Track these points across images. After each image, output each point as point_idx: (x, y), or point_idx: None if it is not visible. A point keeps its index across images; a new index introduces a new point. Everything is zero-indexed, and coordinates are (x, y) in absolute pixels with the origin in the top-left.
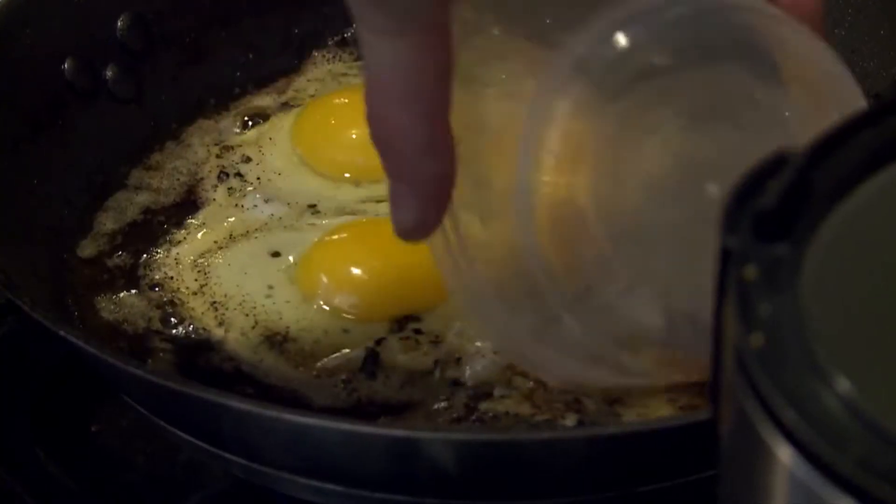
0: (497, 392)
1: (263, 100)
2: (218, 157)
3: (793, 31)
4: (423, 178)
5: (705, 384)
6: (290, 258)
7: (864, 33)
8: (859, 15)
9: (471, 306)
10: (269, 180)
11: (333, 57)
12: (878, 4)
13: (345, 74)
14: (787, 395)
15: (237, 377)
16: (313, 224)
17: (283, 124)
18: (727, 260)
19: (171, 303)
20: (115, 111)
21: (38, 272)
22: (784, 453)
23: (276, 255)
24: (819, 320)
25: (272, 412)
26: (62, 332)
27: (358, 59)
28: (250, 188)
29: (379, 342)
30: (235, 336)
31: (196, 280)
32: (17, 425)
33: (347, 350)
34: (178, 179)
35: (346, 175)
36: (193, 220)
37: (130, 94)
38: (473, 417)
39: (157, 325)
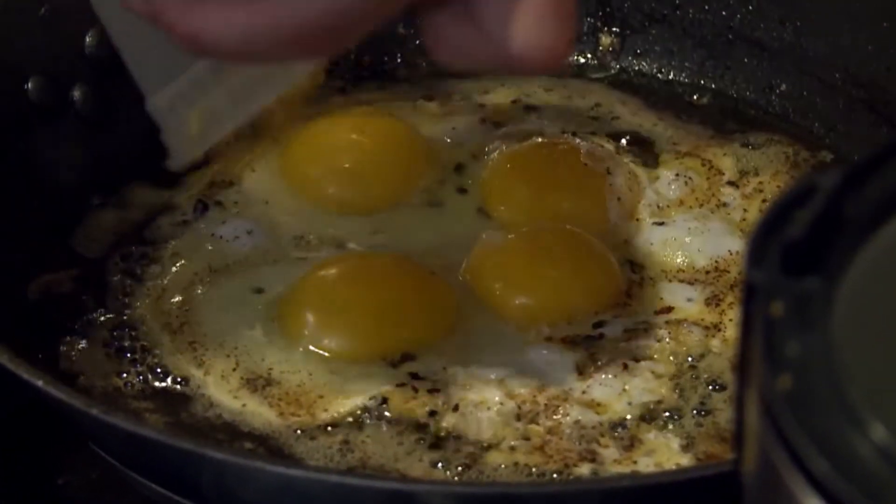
0: (505, 443)
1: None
2: (194, 184)
3: None
4: None
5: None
6: (274, 295)
7: None
8: None
9: None
10: (251, 209)
11: (324, 84)
12: None
13: (331, 98)
14: (817, 442)
15: (233, 434)
16: (299, 258)
17: (266, 150)
18: (752, 295)
19: (146, 349)
20: (82, 134)
21: None
22: None
23: (259, 291)
24: (852, 361)
25: (255, 462)
26: (25, 376)
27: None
28: (230, 218)
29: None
30: (215, 379)
31: (176, 318)
32: None
33: (341, 407)
34: (150, 209)
35: (336, 206)
36: (167, 254)
37: (99, 116)
38: (478, 469)
39: (131, 380)
